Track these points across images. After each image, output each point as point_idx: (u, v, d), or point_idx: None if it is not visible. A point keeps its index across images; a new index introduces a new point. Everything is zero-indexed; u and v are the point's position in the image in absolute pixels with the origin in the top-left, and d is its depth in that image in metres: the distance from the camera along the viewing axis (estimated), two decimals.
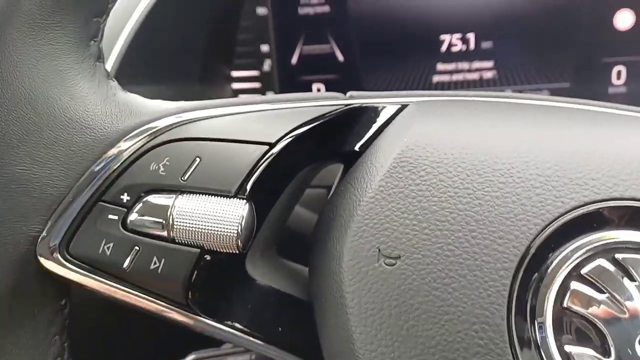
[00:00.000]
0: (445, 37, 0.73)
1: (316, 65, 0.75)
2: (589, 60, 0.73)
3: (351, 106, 0.36)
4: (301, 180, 0.39)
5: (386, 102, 0.37)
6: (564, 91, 0.74)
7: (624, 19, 0.71)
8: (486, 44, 0.73)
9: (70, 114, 0.30)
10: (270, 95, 0.36)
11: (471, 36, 0.73)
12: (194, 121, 0.32)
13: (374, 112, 0.36)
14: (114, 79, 0.34)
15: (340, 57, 0.75)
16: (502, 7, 0.72)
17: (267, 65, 0.75)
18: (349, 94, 0.37)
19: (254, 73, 0.75)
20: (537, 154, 0.29)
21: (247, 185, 0.30)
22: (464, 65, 0.74)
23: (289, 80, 0.76)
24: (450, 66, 0.75)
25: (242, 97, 0.35)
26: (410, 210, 0.27)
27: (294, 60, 0.75)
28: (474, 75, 0.75)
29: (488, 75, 0.75)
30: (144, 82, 0.63)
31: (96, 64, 0.33)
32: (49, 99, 0.30)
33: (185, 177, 0.31)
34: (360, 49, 0.74)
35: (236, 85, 0.76)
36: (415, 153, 0.29)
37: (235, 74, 0.75)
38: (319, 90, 0.77)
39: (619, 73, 0.73)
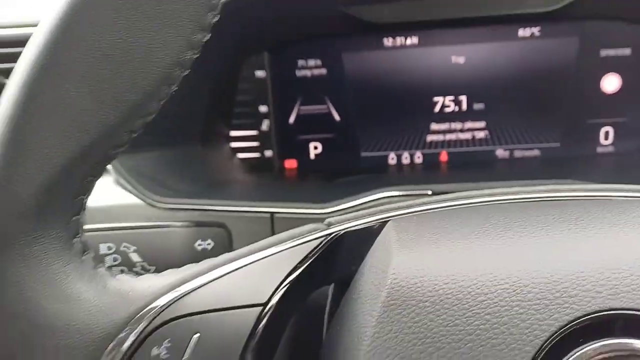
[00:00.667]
0: (439, 99, 0.76)
1: (313, 124, 0.77)
2: (578, 121, 0.75)
3: (331, 237, 0.37)
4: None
5: (365, 223, 0.38)
6: (554, 150, 0.76)
7: (610, 83, 0.74)
8: (478, 106, 0.76)
9: (66, 319, 0.30)
10: (253, 245, 0.36)
11: (463, 98, 0.75)
12: (186, 294, 0.32)
13: (355, 237, 0.38)
14: (101, 265, 0.34)
15: (337, 117, 0.77)
16: (492, 71, 0.74)
17: (265, 125, 0.77)
18: (327, 221, 0.38)
19: (252, 132, 0.77)
20: (518, 276, 0.31)
21: (247, 354, 0.31)
22: (457, 125, 0.77)
23: (286, 139, 0.78)
24: (444, 126, 0.77)
25: (223, 257, 0.36)
26: (408, 354, 0.28)
27: (292, 120, 0.77)
28: (467, 135, 0.77)
29: (480, 135, 0.77)
30: (145, 147, 0.65)
31: (82, 259, 0.33)
32: (43, 310, 0.30)
33: (187, 356, 0.31)
34: (356, 109, 0.77)
35: (234, 145, 0.78)
36: (402, 294, 0.30)
37: (233, 133, 0.77)
38: (315, 148, 0.79)
39: (606, 134, 0.76)
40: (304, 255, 0.35)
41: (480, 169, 0.76)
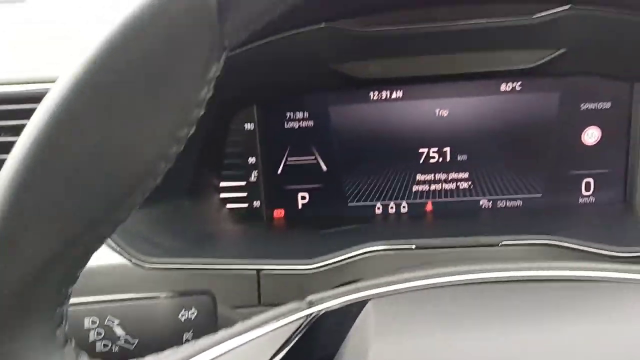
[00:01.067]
0: (424, 150, 0.77)
1: (301, 175, 0.79)
2: (559, 173, 0.77)
3: (312, 317, 0.38)
4: None
5: (345, 302, 0.39)
6: (536, 201, 0.78)
7: (591, 135, 0.76)
8: (461, 157, 0.77)
9: None
10: (235, 327, 0.37)
11: (447, 149, 0.77)
12: None
13: (335, 317, 0.38)
14: (83, 354, 0.34)
15: (324, 168, 0.79)
16: (475, 123, 0.76)
17: (253, 176, 0.78)
18: (308, 298, 0.39)
19: (241, 183, 0.78)
20: None
21: None
22: (441, 175, 0.78)
23: (274, 189, 0.79)
24: (429, 176, 0.78)
25: (203, 341, 0.36)
26: None
27: (280, 170, 0.79)
28: (451, 185, 0.78)
29: (464, 185, 0.78)
30: None
31: (64, 351, 0.33)
32: None
33: None
34: (343, 160, 0.78)
35: (224, 195, 0.79)
36: None
37: (223, 184, 0.78)
38: (303, 197, 0.80)
39: (587, 184, 0.77)
40: (286, 339, 0.35)
41: (464, 219, 0.77)
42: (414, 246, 0.67)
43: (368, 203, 0.79)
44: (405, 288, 0.39)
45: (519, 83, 0.74)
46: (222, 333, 0.36)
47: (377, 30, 0.68)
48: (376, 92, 0.76)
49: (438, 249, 0.67)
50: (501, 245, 0.67)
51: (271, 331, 0.35)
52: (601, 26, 0.66)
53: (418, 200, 0.79)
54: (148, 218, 0.67)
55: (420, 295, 0.38)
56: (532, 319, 0.36)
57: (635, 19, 0.63)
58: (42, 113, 0.28)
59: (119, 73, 0.28)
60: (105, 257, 0.62)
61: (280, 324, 0.36)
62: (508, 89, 0.75)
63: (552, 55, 0.70)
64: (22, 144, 0.28)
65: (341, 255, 0.65)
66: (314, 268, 0.64)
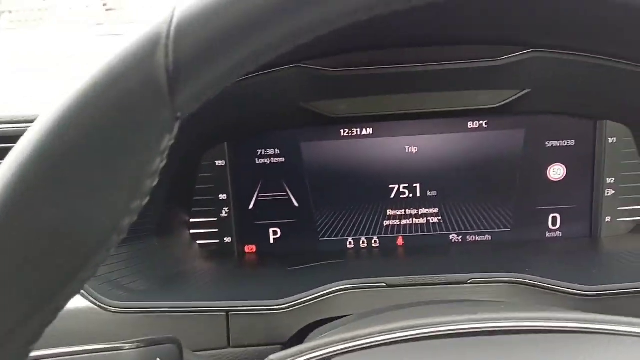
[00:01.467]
0: (394, 186, 0.78)
1: (272, 210, 0.79)
2: (526, 208, 0.78)
3: None
4: None
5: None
6: (504, 235, 0.79)
7: (556, 172, 0.77)
8: (431, 193, 0.78)
9: None
10: None
11: (417, 185, 0.78)
12: None
13: None
14: None
15: (295, 203, 0.79)
16: (444, 160, 0.77)
17: (224, 212, 0.78)
18: (269, 358, 0.39)
19: (211, 219, 0.78)
20: None
21: None
22: (412, 211, 0.79)
23: (246, 224, 0.79)
24: (399, 212, 0.79)
25: None
26: None
27: (251, 206, 0.79)
28: (421, 220, 0.79)
29: (434, 220, 0.79)
30: None
31: None
32: None
33: None
34: (314, 196, 0.78)
35: (194, 231, 0.78)
36: None
37: (193, 220, 0.78)
38: (275, 232, 0.80)
39: (554, 219, 0.79)
40: None
41: (435, 254, 0.78)
42: (384, 284, 0.67)
43: (340, 238, 0.80)
44: (370, 342, 0.39)
45: (485, 121, 0.76)
46: None
47: (346, 70, 0.69)
48: (346, 129, 0.76)
49: (408, 286, 0.68)
50: (469, 282, 0.67)
51: None
52: (563, 68, 0.68)
53: (389, 235, 0.80)
54: (115, 260, 0.67)
55: (383, 353, 0.39)
56: None
57: (593, 61, 0.66)
58: None
59: (69, 146, 0.28)
60: (71, 300, 0.61)
61: None
62: (475, 126, 0.76)
63: (517, 96, 0.71)
64: None
65: (311, 294, 0.65)
66: (284, 307, 0.64)
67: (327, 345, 0.39)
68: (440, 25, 0.64)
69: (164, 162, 0.31)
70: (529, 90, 0.71)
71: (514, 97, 0.72)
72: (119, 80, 0.29)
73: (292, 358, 0.38)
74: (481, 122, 0.76)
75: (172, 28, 0.28)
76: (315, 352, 0.38)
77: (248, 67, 0.31)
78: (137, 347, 0.50)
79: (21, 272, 0.29)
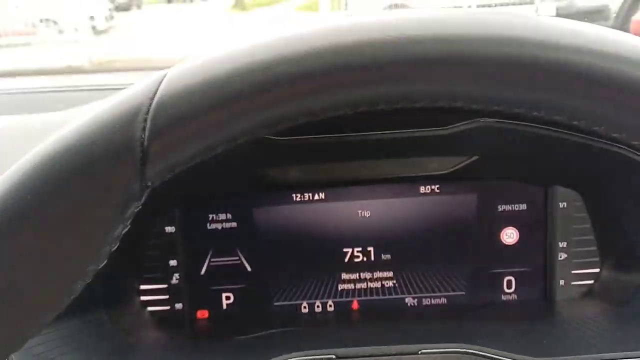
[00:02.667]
0: (348, 250, 0.78)
1: (225, 275, 0.78)
2: (480, 271, 0.78)
3: None
4: None
5: None
6: (459, 298, 0.78)
7: (509, 235, 0.77)
8: (385, 256, 0.78)
9: None
10: None
11: (371, 249, 0.77)
12: None
13: None
14: None
15: (248, 268, 0.78)
16: (398, 224, 0.77)
17: (175, 278, 0.77)
18: None
19: (162, 286, 0.77)
20: None
21: None
22: (366, 275, 0.78)
23: (197, 290, 0.78)
24: (354, 275, 0.78)
25: None
26: None
27: (203, 271, 0.78)
28: (376, 284, 0.79)
29: (389, 284, 0.79)
30: None
31: None
32: None
33: None
34: (267, 260, 0.78)
35: (144, 298, 0.77)
36: None
37: (143, 287, 0.77)
38: (227, 298, 0.79)
39: (509, 282, 0.79)
40: None
41: (390, 318, 0.77)
42: (333, 356, 0.66)
43: (294, 302, 0.79)
44: None
45: (437, 186, 0.76)
46: None
47: (297, 139, 0.69)
48: (299, 195, 0.76)
49: (358, 358, 0.67)
50: (420, 354, 0.67)
51: None
52: (510, 136, 0.68)
53: (344, 299, 0.79)
54: (59, 336, 0.65)
55: None
56: None
57: (540, 131, 0.66)
58: None
59: (33, 206, 0.28)
60: None
61: None
62: (427, 191, 0.76)
63: (466, 162, 0.72)
64: None
65: None
66: None
67: None
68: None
69: (127, 228, 0.31)
70: (478, 157, 0.71)
71: (463, 164, 0.72)
72: (92, 145, 0.29)
73: None
74: (433, 187, 0.76)
75: (153, 103, 0.28)
76: None
77: (219, 148, 0.31)
78: None
79: None
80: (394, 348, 0.67)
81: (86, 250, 0.31)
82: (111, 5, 13.62)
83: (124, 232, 0.31)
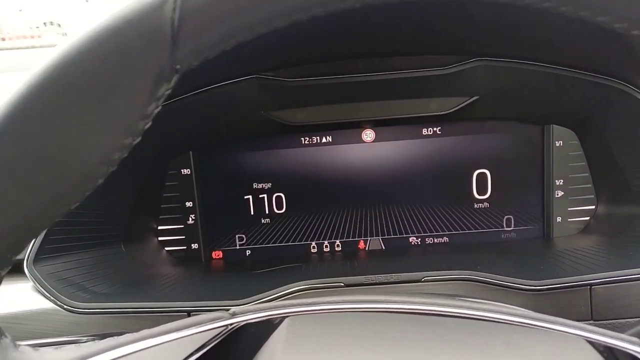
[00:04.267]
0: (355, 192, 0.81)
1: (238, 216, 0.82)
2: (480, 211, 0.81)
3: (232, 326, 0.41)
4: None
5: (267, 316, 0.42)
6: (461, 237, 0.82)
7: (507, 175, 0.81)
8: (391, 198, 0.81)
9: None
10: (156, 328, 0.40)
11: (377, 191, 0.81)
12: None
13: (255, 329, 0.41)
14: (6, 335, 0.37)
15: (261, 209, 0.82)
16: (403, 166, 0.80)
17: (191, 219, 0.81)
18: (232, 310, 0.42)
19: (179, 226, 0.81)
20: None
21: None
22: (373, 215, 0.82)
23: (212, 231, 0.82)
24: (361, 216, 0.82)
25: (125, 337, 0.39)
26: None
27: (217, 212, 0.81)
28: (382, 224, 0.82)
29: (394, 224, 0.82)
30: (65, 251, 0.68)
31: None
32: None
33: None
34: (278, 202, 0.81)
35: (162, 238, 0.81)
36: None
37: (161, 227, 0.81)
38: (240, 238, 0.82)
39: (508, 221, 0.82)
40: (202, 343, 0.38)
41: (394, 255, 0.81)
42: (342, 283, 0.70)
43: (303, 242, 0.83)
44: (325, 309, 0.42)
45: (439, 127, 0.79)
46: (143, 332, 0.38)
47: (303, 80, 0.72)
48: (307, 137, 0.80)
49: (365, 285, 0.70)
50: (423, 280, 0.70)
51: (191, 335, 0.38)
52: (509, 75, 0.72)
53: (351, 239, 0.83)
54: (81, 264, 0.69)
55: (334, 317, 0.41)
56: (431, 348, 0.39)
57: (538, 69, 0.70)
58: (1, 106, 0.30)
59: (72, 81, 0.31)
60: (36, 302, 0.63)
61: (201, 329, 0.38)
62: (429, 132, 0.80)
63: (466, 103, 0.75)
64: None
65: (271, 293, 0.68)
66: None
67: (285, 306, 0.42)
68: (392, 37, 0.68)
69: (159, 109, 0.33)
70: (477, 97, 0.75)
71: (463, 104, 0.75)
72: (127, 25, 0.31)
73: (253, 312, 0.41)
74: (435, 128, 0.79)
75: None
76: (273, 309, 0.41)
77: (244, 35, 0.34)
78: (93, 339, 0.52)
79: (13, 187, 0.31)
80: (399, 275, 0.70)
81: (123, 121, 0.34)
82: None
83: (156, 111, 0.34)
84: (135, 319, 0.65)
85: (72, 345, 0.39)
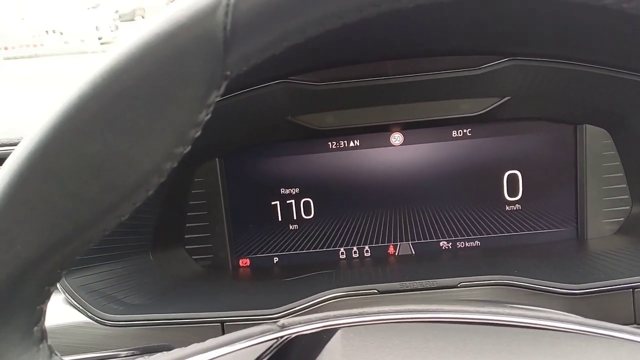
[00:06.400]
0: (384, 196, 0.80)
1: (266, 223, 0.80)
2: (513, 213, 0.80)
3: (283, 339, 0.40)
4: None
5: (317, 328, 0.41)
6: (494, 240, 0.80)
7: (540, 176, 0.79)
8: (420, 201, 0.80)
9: None
10: (206, 342, 0.38)
11: (407, 194, 0.80)
12: None
13: (306, 341, 0.40)
14: (56, 353, 0.36)
15: (288, 216, 0.80)
16: (432, 169, 0.79)
17: (218, 227, 0.79)
18: (281, 322, 0.41)
19: (205, 235, 0.79)
20: None
21: None
22: (402, 219, 0.81)
23: (239, 239, 0.80)
24: (390, 221, 0.81)
25: (178, 351, 0.38)
26: None
27: (244, 220, 0.80)
28: (412, 228, 0.81)
29: (424, 228, 0.81)
30: (95, 263, 0.66)
31: (39, 347, 0.33)
32: None
33: None
34: (304, 207, 0.80)
35: (189, 247, 0.80)
36: None
37: (188, 236, 0.79)
38: (269, 246, 0.81)
39: (541, 223, 0.81)
40: (256, 357, 0.37)
41: (425, 260, 0.79)
42: (376, 290, 0.69)
43: (332, 249, 0.81)
44: (376, 320, 0.41)
45: (469, 129, 0.78)
46: (193, 346, 0.37)
47: (331, 84, 0.71)
48: (334, 142, 0.79)
49: (400, 292, 0.69)
50: (459, 286, 0.69)
51: (241, 349, 0.37)
52: (541, 75, 0.70)
53: (380, 245, 0.81)
54: (110, 276, 0.68)
55: (388, 328, 0.40)
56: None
57: (570, 67, 0.68)
58: (50, 117, 0.30)
59: (124, 88, 0.30)
60: (68, 315, 0.62)
61: (251, 343, 0.37)
62: (459, 134, 0.78)
63: (497, 103, 0.74)
64: (27, 143, 0.30)
65: (305, 301, 0.66)
66: (279, 315, 0.65)
67: (335, 317, 0.40)
68: (421, 37, 0.67)
69: (209, 116, 0.33)
70: (509, 97, 0.74)
71: (494, 105, 0.74)
72: (179, 32, 0.30)
73: (302, 324, 0.39)
74: (465, 130, 0.78)
75: None
76: (324, 320, 0.40)
77: (294, 38, 0.33)
78: (133, 355, 0.51)
79: (64, 198, 0.30)
80: (434, 282, 0.69)
81: (171, 132, 0.33)
82: (116, 16, 13.78)
83: (206, 119, 0.33)
84: (170, 330, 0.64)
85: None
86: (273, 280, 0.76)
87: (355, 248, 0.81)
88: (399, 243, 0.81)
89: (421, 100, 0.76)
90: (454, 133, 0.78)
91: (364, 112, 0.76)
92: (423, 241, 0.81)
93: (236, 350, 0.39)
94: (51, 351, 0.36)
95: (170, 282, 0.74)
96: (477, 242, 0.81)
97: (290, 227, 0.81)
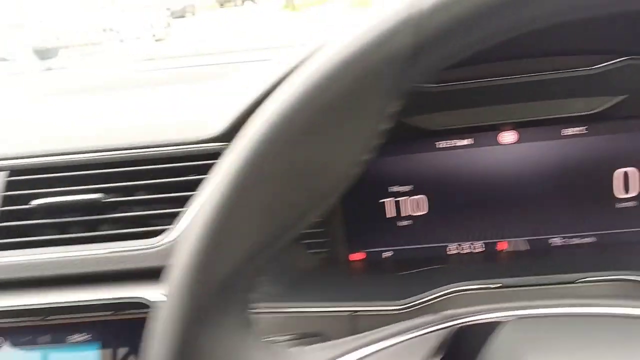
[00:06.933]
0: (494, 193, 0.82)
1: (378, 220, 0.84)
2: (629, 209, 0.80)
3: (455, 327, 0.42)
4: None
5: (485, 319, 0.43)
6: (608, 237, 0.81)
7: None
8: (532, 199, 0.81)
9: None
10: (379, 333, 0.42)
11: (518, 192, 0.81)
12: None
13: (472, 332, 0.43)
14: (264, 337, 0.40)
15: (401, 213, 0.84)
16: (543, 167, 0.80)
17: (333, 222, 0.83)
18: (443, 313, 0.44)
19: (321, 230, 0.83)
20: None
21: None
22: (513, 216, 0.82)
23: (354, 234, 0.84)
24: (500, 217, 0.82)
25: (368, 334, 0.41)
26: None
27: (358, 216, 0.84)
28: (523, 225, 0.82)
29: (535, 224, 0.82)
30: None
31: (254, 330, 0.37)
32: None
33: None
34: (414, 205, 0.83)
35: (305, 241, 0.84)
36: None
37: (304, 231, 0.83)
38: (381, 241, 0.84)
39: None
40: (432, 346, 0.40)
41: (537, 257, 0.80)
42: (500, 285, 0.70)
43: (442, 244, 0.84)
44: (548, 313, 0.43)
45: (585, 127, 0.78)
46: (379, 332, 0.40)
47: (450, 85, 0.73)
48: (443, 142, 0.81)
49: (522, 287, 0.71)
50: (577, 282, 0.70)
51: (410, 339, 0.40)
52: None
53: (490, 241, 0.83)
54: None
55: (562, 321, 0.42)
56: None
57: None
58: (262, 127, 0.34)
59: (327, 102, 0.34)
60: None
61: (421, 332, 0.40)
62: (573, 132, 0.79)
63: (613, 102, 0.74)
64: (246, 152, 0.34)
65: (431, 294, 0.69)
66: (405, 308, 0.68)
67: (501, 309, 0.43)
68: (535, 37, 0.68)
69: (391, 125, 0.36)
70: (626, 96, 0.74)
71: (611, 103, 0.74)
72: (373, 49, 0.34)
73: (467, 315, 0.42)
74: (578, 128, 0.78)
75: (419, 14, 0.33)
76: (490, 312, 0.43)
77: (465, 53, 0.36)
78: (292, 340, 0.55)
79: (274, 202, 0.34)
80: (553, 277, 0.70)
81: (363, 139, 0.36)
82: (167, 13, 14.12)
83: (388, 127, 0.36)
84: (303, 319, 0.68)
85: (321, 345, 0.41)
86: (390, 274, 0.80)
87: (467, 244, 0.83)
88: (511, 239, 0.83)
89: (533, 100, 0.77)
90: (566, 131, 0.79)
91: (475, 112, 0.78)
92: (535, 237, 0.82)
93: (406, 340, 0.42)
94: (260, 334, 0.40)
95: (292, 275, 0.78)
96: (591, 238, 0.81)
97: (401, 223, 0.84)
